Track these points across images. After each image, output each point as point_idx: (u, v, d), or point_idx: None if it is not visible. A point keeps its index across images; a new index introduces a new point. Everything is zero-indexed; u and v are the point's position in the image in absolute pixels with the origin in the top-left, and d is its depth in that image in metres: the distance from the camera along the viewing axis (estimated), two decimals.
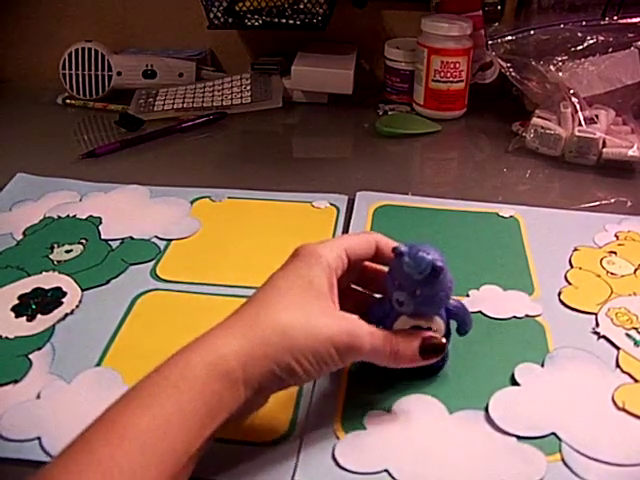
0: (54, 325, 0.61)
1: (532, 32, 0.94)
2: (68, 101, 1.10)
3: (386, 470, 0.47)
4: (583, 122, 0.88)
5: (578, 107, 0.89)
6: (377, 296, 0.55)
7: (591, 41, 0.92)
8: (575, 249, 0.72)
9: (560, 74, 0.92)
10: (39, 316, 0.62)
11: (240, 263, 0.70)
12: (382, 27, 1.14)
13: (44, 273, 0.68)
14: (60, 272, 0.68)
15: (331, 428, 0.50)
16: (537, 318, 0.62)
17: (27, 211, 0.78)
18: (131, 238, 0.73)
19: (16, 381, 0.55)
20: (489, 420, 0.51)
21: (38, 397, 0.53)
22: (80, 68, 1.09)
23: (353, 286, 0.55)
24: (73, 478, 0.37)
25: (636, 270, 0.68)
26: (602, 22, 0.92)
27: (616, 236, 0.74)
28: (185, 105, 1.05)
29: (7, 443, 0.49)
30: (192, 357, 0.43)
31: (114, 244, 0.72)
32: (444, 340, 0.51)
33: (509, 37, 0.95)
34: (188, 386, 0.41)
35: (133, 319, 0.62)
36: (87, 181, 0.84)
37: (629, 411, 0.52)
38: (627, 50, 0.91)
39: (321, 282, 0.48)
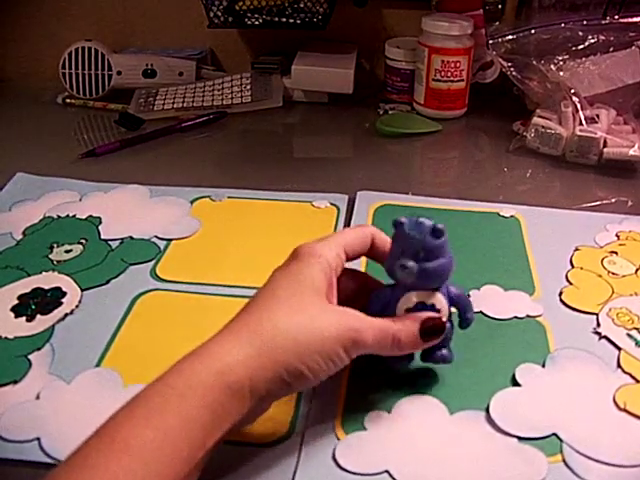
0: (54, 325, 0.61)
1: (533, 31, 0.94)
2: (68, 100, 1.10)
3: (387, 471, 0.47)
4: (584, 121, 0.88)
5: (579, 106, 0.89)
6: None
7: (592, 40, 0.92)
8: (576, 249, 0.71)
9: (561, 73, 0.91)
10: (39, 316, 0.62)
11: (240, 263, 0.70)
12: (382, 26, 1.13)
13: (44, 273, 0.67)
14: (60, 272, 0.68)
15: (331, 429, 0.50)
16: (538, 318, 0.62)
17: (27, 211, 0.78)
18: (131, 238, 0.73)
19: (15, 381, 0.54)
20: (490, 421, 0.50)
21: (37, 398, 0.53)
22: (80, 67, 1.09)
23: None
24: None
25: (637, 270, 0.68)
26: (603, 21, 0.92)
27: (617, 236, 0.74)
28: (185, 104, 1.05)
29: (6, 444, 0.49)
30: (198, 366, 0.43)
31: (114, 244, 0.72)
32: (444, 319, 0.51)
33: (510, 36, 0.95)
34: (193, 396, 0.41)
35: (133, 319, 0.62)
36: (87, 181, 0.84)
37: (630, 412, 0.51)
38: (628, 49, 0.91)
39: (321, 282, 0.48)
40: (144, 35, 1.18)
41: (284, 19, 1.04)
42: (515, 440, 0.49)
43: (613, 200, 0.83)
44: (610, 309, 0.63)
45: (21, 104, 1.11)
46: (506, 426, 0.50)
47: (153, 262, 0.69)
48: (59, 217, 0.77)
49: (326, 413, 0.51)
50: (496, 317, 0.62)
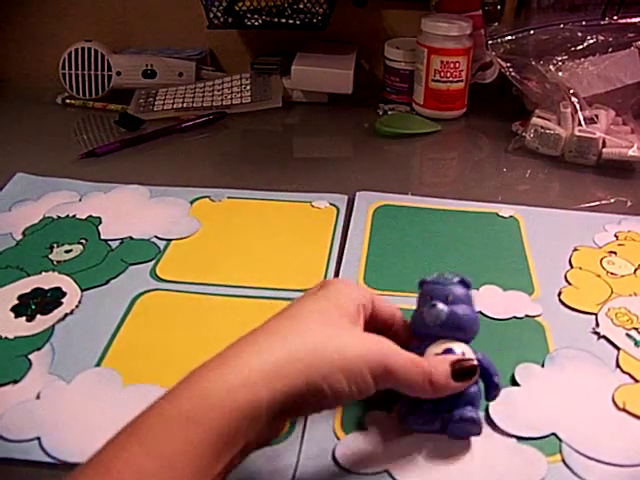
0: (54, 325, 0.61)
1: (532, 32, 0.94)
2: (68, 101, 1.10)
3: (386, 470, 0.47)
4: (583, 122, 0.88)
5: (578, 107, 0.89)
6: None
7: (591, 41, 0.92)
8: (575, 249, 0.72)
9: (560, 74, 0.92)
10: (39, 316, 0.62)
11: (240, 263, 0.70)
12: (382, 27, 1.14)
13: (44, 273, 0.68)
14: (60, 272, 0.68)
15: (331, 428, 0.50)
16: (537, 318, 0.62)
17: (27, 211, 0.78)
18: (131, 238, 0.73)
19: (16, 381, 0.55)
20: (489, 421, 0.51)
21: (38, 397, 0.53)
22: (80, 68, 1.09)
23: None
24: None
25: (636, 270, 0.68)
26: (602, 22, 0.92)
27: (616, 236, 0.74)
28: (185, 105, 1.05)
29: (7, 443, 0.49)
30: (207, 384, 0.40)
31: (114, 244, 0.72)
32: (475, 362, 0.48)
33: (509, 37, 0.95)
34: (201, 418, 0.38)
35: (133, 319, 0.62)
36: (87, 181, 0.84)
37: (629, 411, 0.52)
38: (627, 50, 0.91)
39: (350, 307, 0.46)
40: (144, 36, 1.18)
41: (284, 20, 1.04)
42: (514, 440, 0.49)
43: (612, 200, 0.83)
44: (609, 309, 0.63)
45: (21, 104, 1.11)
46: (505, 426, 0.50)
47: (153, 262, 0.70)
48: (59, 217, 0.77)
49: (326, 413, 0.51)
50: (495, 317, 0.62)
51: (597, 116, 0.89)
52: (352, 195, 0.81)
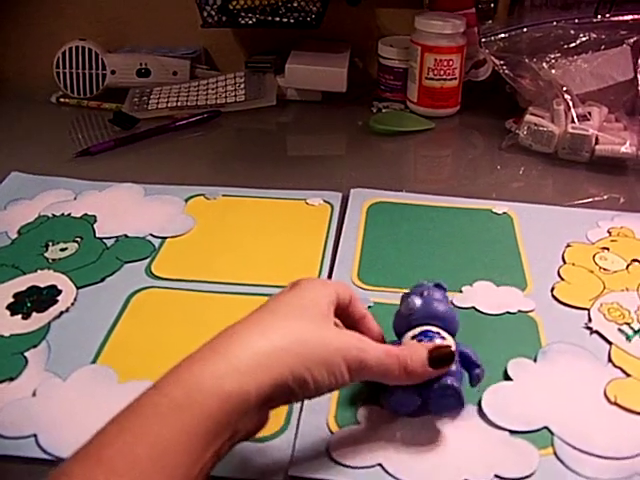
0: (49, 323, 0.61)
1: (525, 30, 0.95)
2: (62, 100, 1.10)
3: (379, 464, 0.47)
4: (576, 119, 0.89)
5: (571, 104, 0.90)
6: None
7: (584, 38, 0.93)
8: (568, 245, 0.72)
9: (553, 71, 0.92)
10: (34, 314, 0.62)
11: (234, 260, 0.70)
12: (375, 25, 1.14)
13: (39, 271, 0.68)
14: (55, 270, 0.68)
15: (325, 423, 0.51)
16: (530, 313, 0.62)
17: (22, 210, 0.78)
18: (126, 236, 0.74)
19: (12, 379, 0.55)
20: (482, 414, 0.51)
21: (34, 394, 0.53)
22: (74, 67, 1.09)
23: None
24: None
25: (628, 266, 0.69)
26: (594, 20, 0.93)
27: (609, 232, 0.74)
28: (179, 103, 1.05)
29: (3, 440, 0.49)
30: (197, 371, 0.40)
31: (109, 242, 0.73)
32: (452, 348, 0.49)
33: (502, 35, 0.96)
34: (193, 406, 0.38)
35: (128, 316, 0.62)
36: (82, 179, 0.84)
37: (621, 405, 0.52)
38: (619, 47, 0.92)
39: (323, 303, 0.47)
40: (138, 34, 1.18)
41: (277, 18, 1.04)
42: (507, 433, 0.50)
43: (605, 197, 0.83)
44: (601, 304, 0.63)
45: (15, 104, 1.11)
46: (498, 420, 0.50)
47: (148, 260, 0.70)
48: (54, 216, 0.77)
49: (320, 407, 0.52)
50: (488, 312, 0.62)
51: (590, 113, 0.90)
52: (346, 192, 0.81)
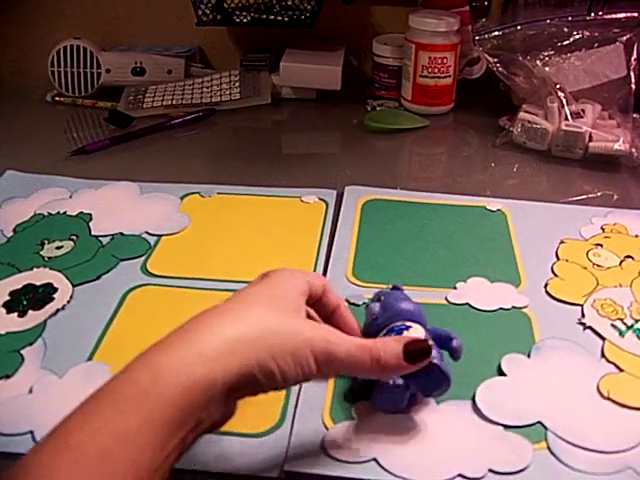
0: (45, 320, 0.61)
1: (519, 27, 0.95)
2: (57, 98, 1.10)
3: (374, 459, 0.48)
4: (569, 116, 0.89)
5: (564, 101, 0.90)
6: None
7: (577, 36, 0.93)
8: (561, 242, 0.72)
9: (547, 69, 0.93)
10: (30, 312, 0.62)
11: (229, 258, 0.70)
12: (370, 23, 1.14)
13: (35, 269, 0.68)
14: (51, 268, 0.68)
15: (320, 418, 0.51)
16: (523, 309, 0.63)
17: (17, 208, 0.78)
18: (121, 234, 0.74)
19: (8, 376, 0.55)
20: (476, 410, 0.52)
21: (30, 392, 0.54)
22: (69, 65, 1.09)
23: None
24: None
25: (621, 262, 0.69)
26: (587, 17, 0.93)
27: (602, 229, 0.75)
28: (174, 102, 1.05)
29: (0, 437, 0.50)
30: (166, 358, 0.40)
31: (104, 240, 0.73)
32: (430, 342, 0.48)
33: (496, 32, 0.96)
34: (160, 392, 0.38)
35: (124, 314, 0.62)
36: (77, 178, 0.85)
37: (614, 400, 0.53)
38: (612, 45, 0.92)
39: (293, 294, 0.47)
40: (133, 33, 1.18)
41: (272, 16, 1.04)
42: (501, 428, 0.50)
43: (599, 194, 0.84)
44: (595, 300, 0.64)
45: (10, 102, 1.11)
46: (492, 415, 0.51)
47: (144, 258, 0.70)
48: (50, 214, 0.77)
49: (315, 403, 0.52)
50: (482, 308, 0.63)
51: (583, 111, 0.90)
52: (341, 190, 0.82)
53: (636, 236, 0.74)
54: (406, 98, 1.06)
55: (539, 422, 0.51)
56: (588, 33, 0.93)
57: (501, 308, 0.63)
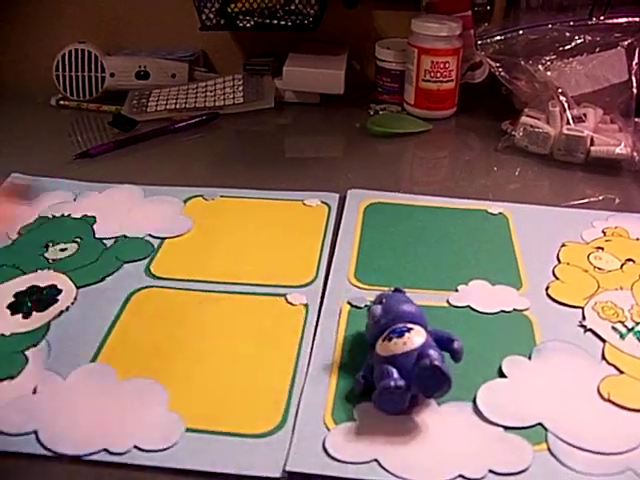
0: (49, 322, 0.61)
1: (521, 32, 0.95)
2: (62, 102, 1.11)
3: (376, 460, 0.48)
4: (571, 120, 0.90)
5: (566, 106, 0.91)
6: None
7: (579, 41, 0.93)
8: (563, 245, 0.73)
9: (548, 73, 0.93)
10: (35, 313, 0.62)
11: (232, 260, 0.71)
12: (373, 28, 1.15)
13: (39, 271, 0.68)
14: (55, 270, 0.68)
15: (322, 419, 0.51)
16: (525, 312, 0.63)
17: (22, 211, 0.79)
18: (125, 237, 0.74)
19: (12, 377, 0.55)
20: (477, 411, 0.52)
21: (34, 392, 0.54)
22: (73, 69, 1.09)
23: None
24: None
25: (622, 265, 0.70)
26: (589, 22, 0.93)
27: (603, 232, 0.75)
28: (178, 106, 1.06)
29: (5, 437, 0.50)
30: None
31: (108, 243, 0.73)
32: (423, 336, 0.51)
33: (498, 37, 0.96)
34: None
35: (128, 316, 0.63)
36: (81, 181, 0.85)
37: (614, 402, 0.53)
38: (614, 49, 0.92)
39: None
40: (137, 37, 1.18)
41: (275, 21, 1.05)
42: (501, 430, 0.50)
43: (600, 197, 0.84)
44: (595, 303, 0.64)
45: (15, 106, 1.11)
46: (493, 416, 0.51)
47: (147, 260, 0.70)
48: (54, 217, 0.77)
49: (316, 404, 0.52)
50: (483, 311, 0.63)
51: (585, 115, 0.91)
52: (343, 193, 0.82)
53: (637, 239, 0.74)
54: (409, 102, 1.06)
55: (539, 424, 0.51)
56: (590, 37, 0.93)
57: (502, 311, 0.63)
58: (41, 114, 1.09)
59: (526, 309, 0.63)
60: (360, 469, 0.47)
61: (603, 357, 0.58)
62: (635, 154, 0.88)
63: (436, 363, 0.49)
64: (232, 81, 1.12)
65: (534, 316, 0.62)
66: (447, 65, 1.01)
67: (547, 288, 0.66)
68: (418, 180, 0.93)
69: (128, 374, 0.56)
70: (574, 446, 0.49)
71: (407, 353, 0.50)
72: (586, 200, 0.83)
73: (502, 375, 0.55)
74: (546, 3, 1.01)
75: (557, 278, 0.68)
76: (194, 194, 0.82)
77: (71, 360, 0.57)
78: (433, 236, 0.74)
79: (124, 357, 0.58)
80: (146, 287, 0.67)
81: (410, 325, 0.52)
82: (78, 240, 0.73)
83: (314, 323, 0.61)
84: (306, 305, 0.64)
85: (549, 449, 0.49)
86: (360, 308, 0.63)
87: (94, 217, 0.77)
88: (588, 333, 0.60)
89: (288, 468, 0.47)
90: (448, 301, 0.64)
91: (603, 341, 0.59)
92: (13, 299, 0.64)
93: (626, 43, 0.92)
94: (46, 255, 0.71)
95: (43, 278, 0.67)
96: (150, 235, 0.74)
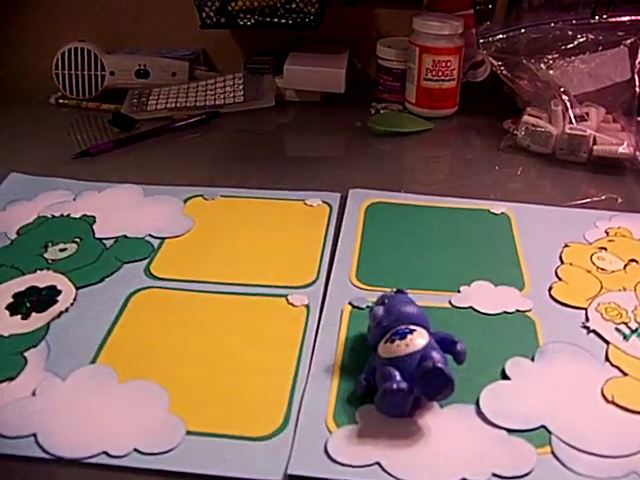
0: (49, 323, 0.61)
1: (523, 30, 0.95)
2: (61, 101, 1.10)
3: (378, 463, 0.47)
4: (574, 120, 0.89)
5: (569, 105, 0.90)
6: None
7: (581, 39, 0.93)
8: (566, 245, 0.72)
9: (551, 72, 0.92)
10: (34, 314, 0.62)
11: (233, 261, 0.70)
12: (374, 26, 1.14)
13: (38, 272, 0.68)
14: (54, 271, 0.68)
15: (324, 422, 0.51)
16: (527, 313, 0.62)
17: (21, 210, 0.78)
18: (125, 237, 0.74)
19: (11, 379, 0.55)
20: (480, 414, 0.51)
21: (34, 394, 0.54)
22: (73, 68, 1.09)
23: None
24: None
25: (626, 266, 0.69)
26: (592, 21, 0.93)
27: (606, 232, 0.75)
28: (178, 104, 1.06)
29: (3, 440, 0.50)
30: None
31: (108, 243, 0.73)
32: (425, 338, 0.51)
33: (500, 35, 0.96)
34: None
35: (127, 316, 0.62)
36: (81, 180, 0.85)
37: (618, 404, 0.52)
38: (616, 48, 0.92)
39: None
40: (137, 36, 1.18)
41: (276, 19, 1.04)
42: (504, 432, 0.50)
43: (603, 197, 0.84)
44: (599, 304, 0.63)
45: (15, 105, 1.11)
46: (496, 419, 0.51)
47: (147, 260, 0.70)
48: (53, 216, 0.77)
49: (318, 407, 0.52)
50: (486, 312, 0.62)
51: (588, 114, 0.90)
52: (345, 193, 0.82)
53: None
54: (410, 101, 1.06)
55: (543, 426, 0.50)
56: (592, 36, 0.93)
57: (505, 312, 0.62)
58: (41, 113, 1.09)
59: (529, 310, 0.63)
60: (362, 472, 0.47)
61: (607, 359, 0.57)
62: (638, 153, 0.87)
63: (439, 365, 0.48)
64: (233, 80, 1.11)
65: (537, 317, 0.62)
66: (449, 64, 1.01)
67: (550, 289, 0.66)
68: (419, 179, 0.93)
69: (128, 376, 0.55)
70: (578, 449, 0.49)
71: (409, 355, 0.50)
72: (589, 200, 0.83)
73: (505, 377, 0.55)
74: (548, 1, 1.01)
75: (560, 279, 0.67)
76: (194, 194, 0.82)
77: (71, 361, 0.57)
78: (435, 236, 0.74)
79: (124, 358, 0.57)
80: (146, 288, 0.66)
81: (413, 327, 0.52)
82: (78, 240, 0.73)
83: (315, 324, 0.61)
84: (307, 306, 0.63)
85: (553, 452, 0.49)
86: (362, 309, 0.63)
87: (94, 217, 0.77)
88: (591, 334, 0.60)
89: (289, 471, 0.47)
90: (450, 302, 0.64)
91: (607, 342, 0.59)
92: (12, 300, 0.64)
93: (629, 42, 0.92)
94: (45, 255, 0.70)
95: (42, 279, 0.67)
96: (150, 235, 0.74)
